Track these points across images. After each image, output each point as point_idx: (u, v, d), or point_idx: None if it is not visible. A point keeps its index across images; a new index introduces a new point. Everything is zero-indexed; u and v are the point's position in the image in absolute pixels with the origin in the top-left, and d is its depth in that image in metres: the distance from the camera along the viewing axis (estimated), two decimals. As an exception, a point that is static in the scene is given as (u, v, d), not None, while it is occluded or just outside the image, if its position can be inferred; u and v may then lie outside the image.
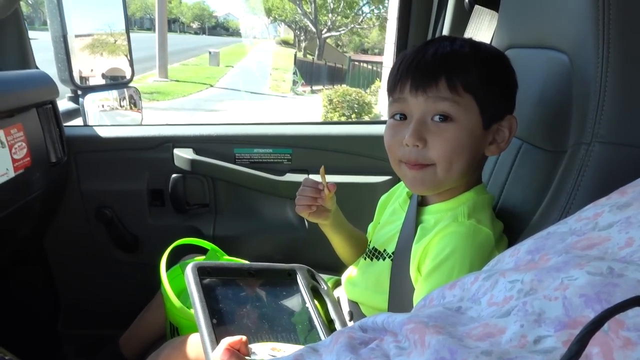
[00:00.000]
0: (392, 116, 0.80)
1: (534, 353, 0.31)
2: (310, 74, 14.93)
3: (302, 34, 26.98)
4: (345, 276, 1.00)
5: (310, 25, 23.16)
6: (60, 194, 1.34)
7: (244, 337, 0.68)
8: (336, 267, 1.11)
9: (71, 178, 1.37)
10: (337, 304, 0.97)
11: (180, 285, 1.06)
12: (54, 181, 1.26)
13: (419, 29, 1.40)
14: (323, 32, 22.11)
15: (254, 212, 1.46)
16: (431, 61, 0.75)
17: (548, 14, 0.84)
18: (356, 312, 0.94)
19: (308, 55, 19.73)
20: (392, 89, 0.79)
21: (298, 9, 22.87)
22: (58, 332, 1.51)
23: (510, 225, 0.83)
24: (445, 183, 0.79)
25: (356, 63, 15.39)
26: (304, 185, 0.92)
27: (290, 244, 1.43)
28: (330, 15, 22.30)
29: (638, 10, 0.66)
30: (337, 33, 23.68)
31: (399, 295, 0.84)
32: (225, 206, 1.45)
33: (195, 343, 0.84)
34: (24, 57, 1.31)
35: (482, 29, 1.18)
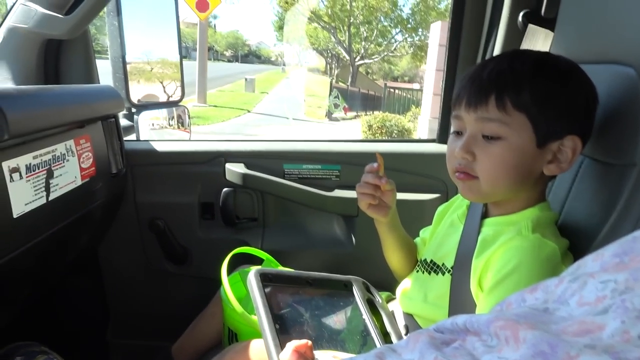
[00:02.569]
0: (452, 132, 0.83)
1: (640, 347, 0.30)
2: (345, 100, 15.01)
3: (334, 62, 27.32)
4: (400, 290, 0.99)
5: (343, 53, 23.47)
6: (118, 204, 1.39)
7: (309, 342, 0.68)
8: (384, 284, 1.11)
9: (127, 189, 1.41)
10: (392, 317, 0.96)
11: (239, 293, 1.07)
12: (114, 191, 1.31)
13: (469, 50, 1.40)
14: (356, 59, 22.37)
15: (302, 227, 1.47)
16: (485, 79, 0.76)
17: (611, 28, 0.84)
18: (412, 325, 0.93)
19: (340, 83, 19.93)
20: (453, 105, 0.82)
21: (332, 37, 23.24)
22: (107, 341, 1.54)
23: (575, 241, 0.81)
24: (493, 195, 0.80)
25: (391, 90, 15.43)
26: (366, 171, 0.91)
27: (338, 259, 1.44)
28: (363, 43, 22.59)
29: None
30: (370, 61, 23.91)
31: (460, 311, 0.82)
32: (273, 220, 1.47)
33: (257, 348, 0.84)
34: (90, 74, 1.38)
35: (536, 48, 1.18)
